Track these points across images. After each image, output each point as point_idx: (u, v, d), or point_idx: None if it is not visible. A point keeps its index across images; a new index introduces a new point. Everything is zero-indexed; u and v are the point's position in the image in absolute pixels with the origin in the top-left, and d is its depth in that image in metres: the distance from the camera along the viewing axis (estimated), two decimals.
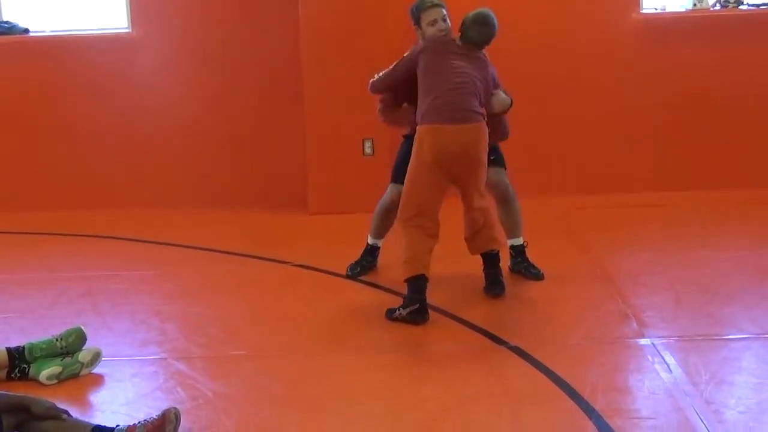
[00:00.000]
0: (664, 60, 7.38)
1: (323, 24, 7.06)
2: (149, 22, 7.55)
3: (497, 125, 5.23)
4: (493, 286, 5.18)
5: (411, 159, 5.02)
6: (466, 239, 5.17)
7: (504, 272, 5.30)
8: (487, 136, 5.03)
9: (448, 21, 5.22)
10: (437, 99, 4.96)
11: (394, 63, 5.28)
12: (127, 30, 7.60)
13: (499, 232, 5.31)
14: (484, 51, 5.20)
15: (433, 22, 5.17)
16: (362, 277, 5.63)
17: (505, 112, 5.28)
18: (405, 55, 5.24)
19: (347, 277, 5.65)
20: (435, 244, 4.98)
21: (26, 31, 7.67)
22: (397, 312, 4.86)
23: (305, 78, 7.17)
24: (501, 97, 5.18)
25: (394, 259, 5.41)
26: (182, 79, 7.63)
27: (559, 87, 7.41)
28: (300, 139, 7.36)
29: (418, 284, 4.86)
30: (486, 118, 5.05)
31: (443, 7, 5.21)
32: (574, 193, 7.34)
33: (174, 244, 6.56)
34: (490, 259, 5.20)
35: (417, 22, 5.24)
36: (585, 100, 7.46)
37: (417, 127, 5.02)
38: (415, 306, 4.82)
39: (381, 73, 5.34)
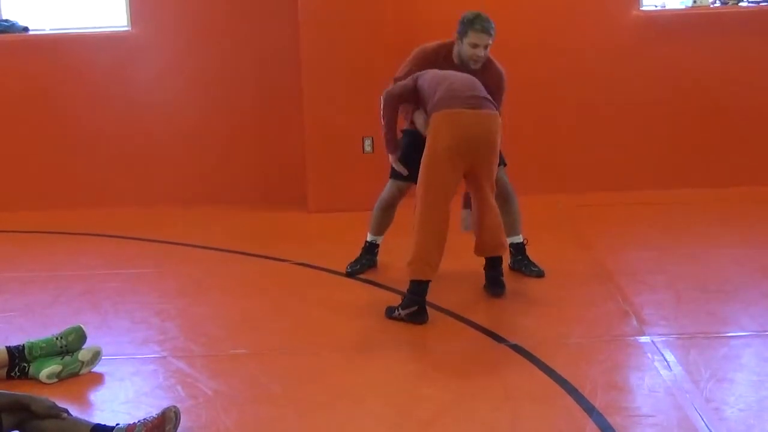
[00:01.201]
0: (665, 57, 7.37)
1: (323, 22, 7.05)
2: (149, 21, 7.55)
3: None
4: (494, 286, 5.17)
5: (426, 150, 4.92)
6: (477, 241, 5.10)
7: (504, 270, 5.29)
8: (502, 128, 4.99)
9: (488, 52, 5.21)
10: (450, 86, 4.91)
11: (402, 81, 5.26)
12: (126, 28, 7.59)
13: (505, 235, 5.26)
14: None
15: (474, 46, 5.16)
16: (362, 275, 5.63)
17: None
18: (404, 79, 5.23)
19: (347, 274, 5.65)
20: (445, 240, 4.90)
21: (26, 29, 7.67)
22: (396, 312, 4.86)
23: (305, 76, 7.17)
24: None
25: (394, 257, 5.42)
26: (182, 78, 7.63)
27: (558, 84, 7.40)
28: (300, 137, 7.36)
29: (420, 287, 4.84)
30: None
31: (491, 37, 5.17)
32: (575, 191, 7.34)
33: (174, 242, 6.56)
34: (493, 261, 5.19)
35: (461, 34, 5.20)
36: (585, 98, 7.45)
37: (431, 116, 4.93)
38: (414, 308, 4.81)
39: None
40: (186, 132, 7.67)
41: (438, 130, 4.87)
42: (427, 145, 4.93)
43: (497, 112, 4.98)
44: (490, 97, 4.97)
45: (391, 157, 5.33)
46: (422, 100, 5.06)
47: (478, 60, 5.20)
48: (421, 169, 4.94)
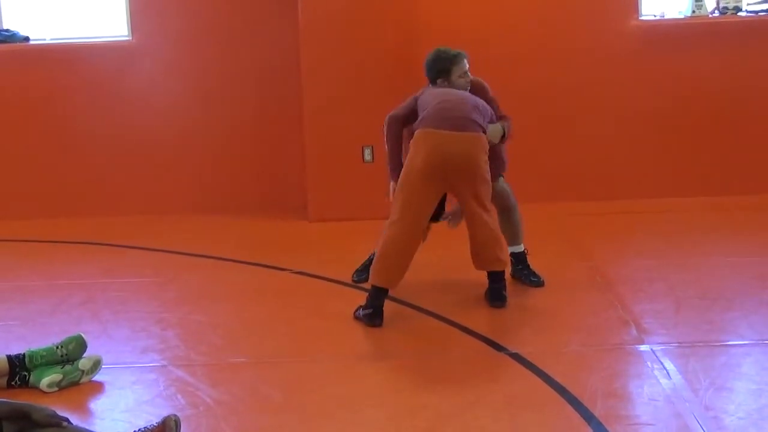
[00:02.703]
0: (663, 67, 7.38)
1: (322, 31, 7.07)
2: (149, 30, 7.56)
3: (493, 156, 5.17)
4: (495, 298, 5.17)
5: (405, 164, 5.03)
6: (471, 255, 5.14)
7: (507, 278, 5.29)
8: (487, 149, 5.01)
9: None
10: (437, 105, 4.99)
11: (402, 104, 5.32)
12: (127, 38, 7.61)
13: (505, 251, 5.24)
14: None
15: (464, 74, 5.22)
16: (365, 285, 5.61)
17: (502, 141, 5.27)
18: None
19: (354, 282, 5.65)
20: (411, 257, 4.98)
21: (27, 39, 7.68)
22: (359, 311, 4.99)
23: (305, 85, 7.18)
24: (490, 127, 5.14)
25: None
26: (182, 87, 7.64)
27: (558, 94, 7.41)
28: (300, 146, 7.38)
29: (378, 294, 4.96)
30: (485, 132, 5.04)
31: (468, 58, 5.29)
32: (574, 200, 7.34)
33: (174, 251, 6.57)
34: (495, 275, 5.18)
35: (446, 74, 5.21)
36: (584, 107, 7.46)
37: (415, 132, 5.02)
38: (369, 311, 4.93)
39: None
40: (186, 141, 7.69)
41: (417, 148, 4.96)
42: (407, 159, 5.03)
43: (482, 133, 4.99)
44: (478, 120, 4.99)
45: (391, 184, 5.31)
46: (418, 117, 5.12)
47: (469, 84, 5.27)
48: (399, 181, 5.03)
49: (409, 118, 5.19)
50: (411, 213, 4.95)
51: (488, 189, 5.04)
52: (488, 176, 5.02)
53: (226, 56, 7.58)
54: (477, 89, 5.29)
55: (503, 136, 5.24)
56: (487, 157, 5.01)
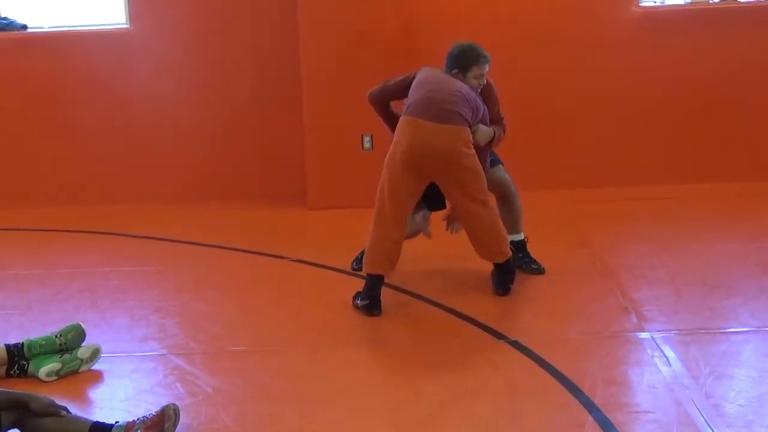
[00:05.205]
0: (663, 53, 7.36)
1: (322, 18, 7.04)
2: (148, 18, 7.54)
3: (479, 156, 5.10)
4: (498, 286, 5.16)
5: (390, 149, 5.00)
6: (472, 246, 5.12)
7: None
8: (469, 142, 4.91)
9: None
10: (427, 93, 4.93)
11: (393, 79, 5.28)
12: (125, 26, 7.58)
13: (506, 241, 5.18)
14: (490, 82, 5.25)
15: (479, 77, 5.15)
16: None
17: (490, 144, 5.19)
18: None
19: (353, 270, 5.64)
20: (399, 243, 4.96)
21: (24, 27, 7.66)
22: (356, 300, 4.98)
23: (304, 72, 7.16)
24: (481, 129, 5.07)
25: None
26: (181, 75, 7.62)
27: (557, 80, 7.39)
28: (299, 134, 7.36)
29: (373, 283, 4.95)
30: (471, 126, 4.96)
31: (489, 63, 5.20)
32: (574, 187, 7.33)
33: (173, 240, 6.56)
34: (500, 265, 5.16)
35: (463, 69, 5.12)
36: (584, 94, 7.44)
37: (401, 117, 5.00)
38: (366, 301, 4.92)
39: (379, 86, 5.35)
40: (185, 129, 7.67)
41: (400, 136, 4.94)
42: (391, 145, 5.00)
43: (466, 126, 4.92)
44: (466, 114, 4.91)
45: None
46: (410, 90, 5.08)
47: (481, 86, 5.20)
48: (384, 168, 5.01)
49: (394, 96, 5.23)
50: (396, 201, 4.93)
51: (478, 180, 4.94)
52: (477, 167, 4.92)
53: (225, 44, 7.56)
54: (485, 89, 5.22)
55: (491, 141, 5.17)
56: (470, 150, 4.91)
